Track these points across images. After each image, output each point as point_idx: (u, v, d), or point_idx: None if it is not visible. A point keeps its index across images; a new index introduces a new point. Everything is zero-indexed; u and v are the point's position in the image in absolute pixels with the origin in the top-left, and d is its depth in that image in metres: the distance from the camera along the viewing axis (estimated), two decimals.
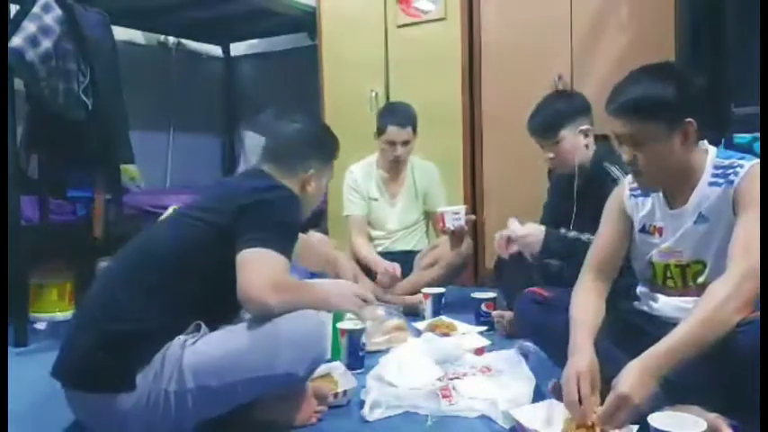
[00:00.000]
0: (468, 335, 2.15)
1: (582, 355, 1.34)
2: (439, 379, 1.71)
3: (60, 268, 2.84)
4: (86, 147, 2.57)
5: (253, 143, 4.46)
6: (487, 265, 3.17)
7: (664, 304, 1.51)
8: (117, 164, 2.71)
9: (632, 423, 1.23)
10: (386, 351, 1.97)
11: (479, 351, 1.96)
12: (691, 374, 1.21)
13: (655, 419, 1.19)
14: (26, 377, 1.89)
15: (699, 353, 1.19)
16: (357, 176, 2.94)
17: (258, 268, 1.39)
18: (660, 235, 1.50)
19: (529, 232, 2.11)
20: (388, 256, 2.82)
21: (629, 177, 1.61)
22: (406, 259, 2.80)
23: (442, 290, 2.58)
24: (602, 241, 1.60)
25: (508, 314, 2.27)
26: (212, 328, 1.45)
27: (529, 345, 1.93)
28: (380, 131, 2.80)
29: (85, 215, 2.67)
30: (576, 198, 2.22)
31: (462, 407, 1.58)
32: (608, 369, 1.33)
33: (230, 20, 3.90)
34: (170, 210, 2.66)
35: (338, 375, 1.75)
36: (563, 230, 2.14)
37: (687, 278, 1.46)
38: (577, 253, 2.06)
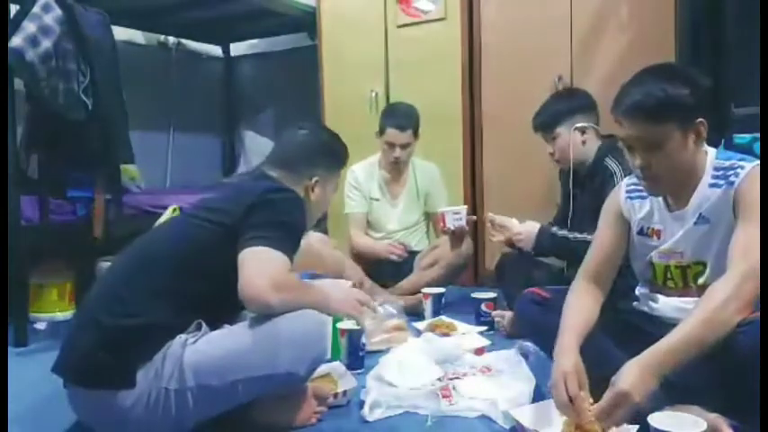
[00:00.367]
0: (468, 335, 2.15)
1: (566, 357, 1.34)
2: (439, 379, 1.71)
3: (60, 268, 2.84)
4: (86, 147, 2.57)
5: (253, 143, 4.47)
6: (487, 266, 3.18)
7: (664, 305, 1.51)
8: (117, 164, 2.71)
9: (632, 423, 1.23)
10: (386, 351, 1.97)
11: (479, 351, 1.96)
12: (691, 375, 1.21)
13: (655, 419, 1.19)
14: (26, 377, 1.89)
15: (699, 353, 1.19)
16: (359, 176, 2.94)
17: (259, 266, 1.40)
18: (658, 237, 1.50)
19: (522, 230, 2.22)
20: None
21: (627, 180, 1.61)
22: (406, 259, 2.80)
23: (442, 290, 2.58)
24: (599, 245, 1.59)
25: (508, 314, 2.28)
26: (214, 326, 1.46)
27: (529, 345, 1.93)
28: (380, 132, 2.80)
29: (85, 215, 2.67)
30: (574, 195, 2.29)
31: (462, 407, 1.58)
32: (608, 369, 1.33)
33: (230, 20, 3.90)
34: (169, 210, 2.68)
35: (338, 375, 1.75)
36: (554, 228, 2.20)
37: (688, 279, 1.46)
38: (567, 251, 2.13)
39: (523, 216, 2.33)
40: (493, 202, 3.22)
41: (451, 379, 1.72)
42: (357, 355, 1.93)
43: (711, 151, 1.44)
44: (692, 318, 1.22)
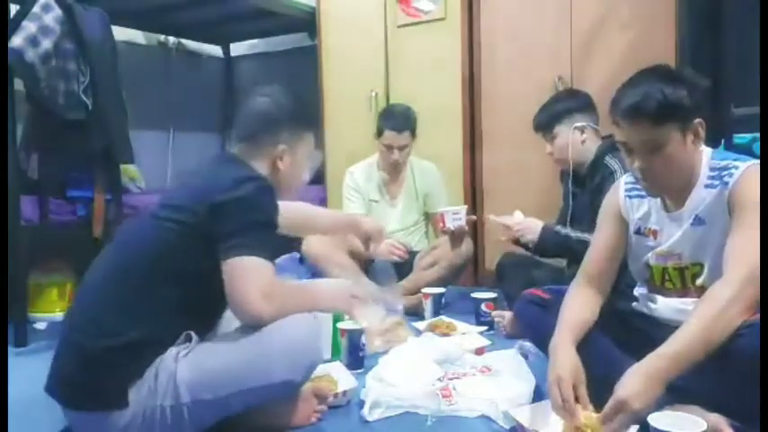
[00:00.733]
0: (468, 335, 2.15)
1: (561, 359, 1.34)
2: (439, 379, 1.71)
3: (60, 268, 2.84)
4: (86, 147, 2.57)
5: None
6: (488, 266, 3.18)
7: (663, 306, 1.51)
8: (117, 164, 2.70)
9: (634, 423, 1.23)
10: (386, 351, 1.97)
11: (479, 351, 1.96)
12: (691, 375, 1.21)
13: (655, 419, 1.19)
14: (26, 377, 1.89)
15: (703, 356, 1.18)
16: (357, 178, 2.94)
17: (248, 279, 1.34)
18: (655, 237, 1.50)
19: (525, 223, 2.24)
20: None
21: (625, 178, 1.61)
22: (406, 259, 2.80)
23: (442, 290, 2.58)
24: (598, 246, 1.59)
25: (508, 314, 2.28)
26: (199, 333, 1.42)
27: (529, 345, 1.93)
28: (378, 134, 2.81)
29: (85, 215, 2.66)
30: (573, 193, 2.31)
31: (462, 407, 1.58)
32: (607, 369, 1.33)
33: (230, 20, 3.89)
34: None
35: (338, 375, 1.75)
36: (558, 227, 2.21)
37: (686, 280, 1.46)
38: (569, 250, 2.14)
39: (524, 216, 2.33)
40: (493, 202, 3.22)
41: (451, 379, 1.72)
42: (357, 355, 1.93)
43: (708, 151, 1.44)
44: (694, 321, 1.22)
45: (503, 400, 1.53)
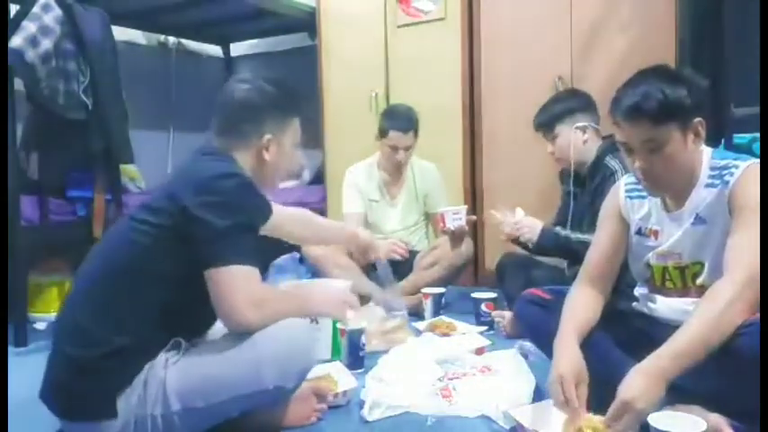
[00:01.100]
0: (468, 335, 2.15)
1: (564, 358, 1.34)
2: (439, 379, 1.71)
3: (60, 268, 2.84)
4: (86, 147, 2.57)
5: None
6: (488, 266, 3.18)
7: (663, 306, 1.50)
8: (117, 164, 2.71)
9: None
10: (386, 351, 1.97)
11: (479, 351, 1.96)
12: (692, 376, 1.21)
13: (655, 419, 1.19)
14: (26, 377, 1.89)
15: (704, 356, 1.18)
16: (358, 178, 2.94)
17: (235, 289, 1.31)
18: (656, 238, 1.50)
19: (525, 222, 2.23)
20: None
21: (626, 178, 1.61)
22: (406, 259, 2.80)
23: (442, 290, 2.58)
24: (599, 246, 1.59)
25: (508, 314, 2.28)
26: (187, 339, 1.40)
27: (529, 345, 1.93)
28: (382, 134, 2.80)
29: (85, 215, 2.67)
30: (574, 193, 2.29)
31: (462, 407, 1.58)
32: (608, 369, 1.33)
33: (230, 20, 3.90)
34: None
35: (338, 375, 1.75)
36: (558, 228, 2.21)
37: (686, 279, 1.46)
38: (570, 251, 2.14)
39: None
40: (493, 202, 3.21)
41: (451, 379, 1.72)
42: (357, 355, 1.93)
43: (708, 151, 1.44)
44: (694, 320, 1.22)
45: (503, 400, 1.52)
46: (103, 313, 1.35)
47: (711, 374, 1.23)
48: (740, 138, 2.25)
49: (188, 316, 1.41)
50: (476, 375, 1.75)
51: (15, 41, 2.29)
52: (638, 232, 1.54)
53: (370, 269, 2.68)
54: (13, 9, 2.44)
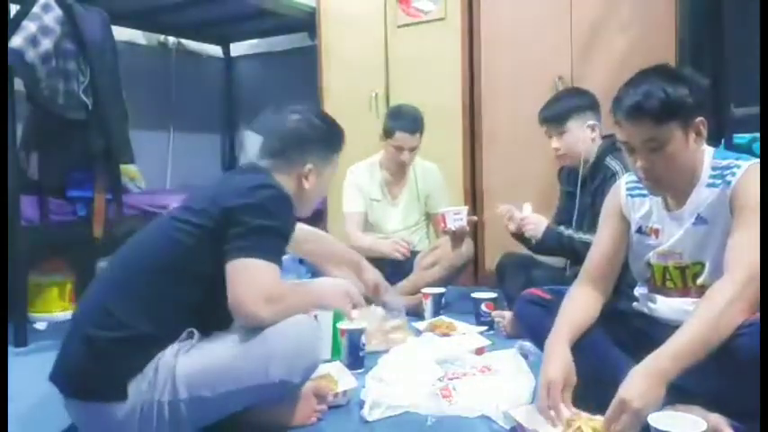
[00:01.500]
0: (468, 335, 2.15)
1: (553, 363, 1.34)
2: (439, 379, 1.71)
3: (60, 268, 2.85)
4: (86, 147, 2.57)
5: (253, 143, 4.47)
6: (488, 266, 3.18)
7: (663, 306, 1.50)
8: (117, 164, 2.71)
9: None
10: (386, 351, 1.97)
11: (479, 351, 1.96)
12: (692, 376, 1.21)
13: (655, 419, 1.18)
14: (26, 377, 1.89)
15: (704, 356, 1.18)
16: (359, 177, 2.94)
17: (249, 280, 1.36)
18: (656, 236, 1.50)
19: (532, 219, 2.23)
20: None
21: (626, 177, 1.61)
22: (407, 259, 2.80)
23: (442, 290, 2.58)
24: (600, 245, 1.59)
25: (508, 314, 2.28)
26: (207, 334, 1.43)
27: (529, 345, 1.93)
28: (388, 134, 2.79)
29: (85, 215, 2.67)
30: (579, 193, 2.27)
31: (462, 407, 1.58)
32: (607, 370, 1.33)
33: (230, 20, 3.90)
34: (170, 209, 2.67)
35: (338, 375, 1.75)
36: (561, 228, 2.20)
37: (687, 279, 1.46)
38: (572, 251, 2.14)
39: None
40: (493, 202, 3.22)
41: (451, 379, 1.71)
42: (357, 355, 1.93)
43: (709, 151, 1.44)
44: (695, 320, 1.21)
45: (503, 400, 1.53)
46: (133, 301, 1.39)
47: (711, 374, 1.23)
48: (740, 138, 2.25)
49: (213, 314, 1.44)
50: (476, 375, 1.74)
51: (15, 41, 2.29)
52: (639, 231, 1.54)
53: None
54: (13, 9, 2.44)
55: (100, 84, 2.55)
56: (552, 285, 1.76)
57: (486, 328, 2.31)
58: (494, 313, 2.37)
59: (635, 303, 1.60)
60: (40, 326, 2.67)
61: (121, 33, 3.37)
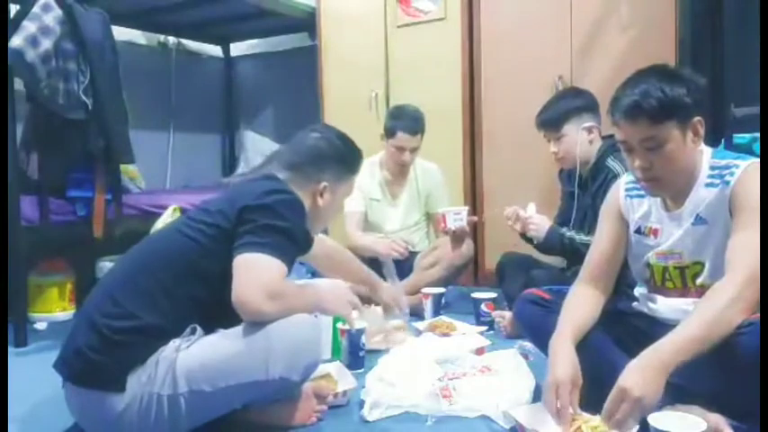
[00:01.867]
0: (468, 335, 2.15)
1: (561, 363, 1.34)
2: (439, 379, 1.71)
3: (60, 268, 2.85)
4: (86, 147, 2.57)
5: (253, 143, 4.47)
6: (488, 266, 3.18)
7: (663, 306, 1.50)
8: (117, 164, 2.71)
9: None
10: (386, 351, 1.97)
11: (479, 351, 1.96)
12: (692, 376, 1.21)
13: (655, 419, 1.19)
14: (26, 377, 1.89)
15: (702, 352, 1.18)
16: (359, 177, 2.92)
17: (254, 274, 1.38)
18: (655, 236, 1.50)
19: (535, 219, 2.22)
20: None
21: (625, 177, 1.61)
22: (406, 259, 2.80)
23: (442, 290, 2.58)
24: (599, 245, 1.59)
25: (508, 314, 2.28)
26: (211, 331, 1.44)
27: (529, 345, 1.93)
28: (389, 134, 2.79)
29: (85, 215, 2.66)
30: (578, 194, 2.27)
31: (462, 407, 1.58)
32: (607, 370, 1.33)
33: (230, 20, 3.89)
34: (169, 210, 2.67)
35: (338, 375, 1.75)
36: (564, 229, 2.20)
37: (686, 279, 1.46)
38: (574, 252, 2.14)
39: None
40: (493, 203, 3.23)
41: (451, 379, 1.72)
42: (357, 355, 1.93)
43: (708, 150, 1.44)
44: (695, 317, 1.22)
45: (503, 400, 1.53)
46: (142, 292, 1.42)
47: (711, 374, 1.23)
48: (740, 138, 2.25)
49: (221, 312, 1.44)
50: (476, 375, 1.74)
51: (15, 41, 2.29)
52: (638, 231, 1.54)
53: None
54: (13, 9, 2.44)
55: (100, 84, 2.55)
56: (552, 285, 1.76)
57: (486, 328, 2.31)
58: (494, 313, 2.37)
59: (635, 303, 1.60)
60: (40, 326, 2.67)
61: (121, 33, 3.37)
